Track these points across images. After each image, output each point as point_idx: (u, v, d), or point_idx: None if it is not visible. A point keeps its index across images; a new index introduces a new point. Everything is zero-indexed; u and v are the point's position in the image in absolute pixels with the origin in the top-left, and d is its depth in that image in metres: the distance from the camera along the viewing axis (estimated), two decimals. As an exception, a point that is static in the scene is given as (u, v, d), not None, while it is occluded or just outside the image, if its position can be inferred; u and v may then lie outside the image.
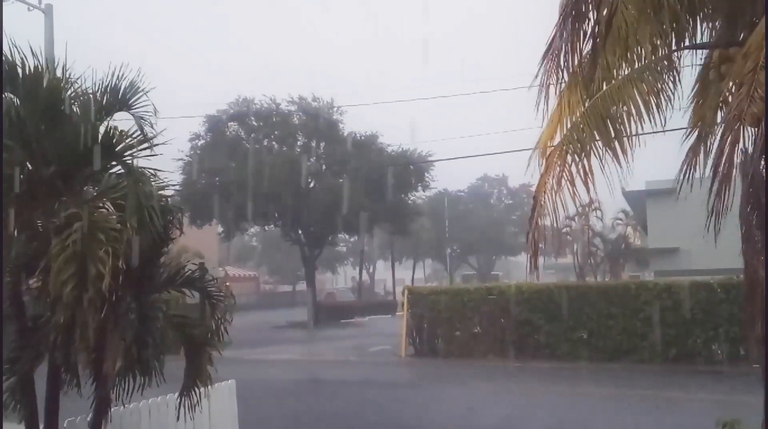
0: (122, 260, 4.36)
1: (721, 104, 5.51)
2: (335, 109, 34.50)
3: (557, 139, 5.83)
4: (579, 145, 5.34)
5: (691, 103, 6.23)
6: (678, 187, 5.46)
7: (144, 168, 5.05)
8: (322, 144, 34.83)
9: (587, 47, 5.98)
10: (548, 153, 5.69)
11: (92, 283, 4.20)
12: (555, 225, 5.78)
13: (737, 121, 4.47)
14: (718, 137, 4.87)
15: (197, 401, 5.69)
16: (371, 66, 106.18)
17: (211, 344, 5.64)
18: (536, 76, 6.22)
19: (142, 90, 5.01)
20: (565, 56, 6.06)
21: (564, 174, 5.34)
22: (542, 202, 5.44)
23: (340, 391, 14.53)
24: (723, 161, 4.72)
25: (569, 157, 5.38)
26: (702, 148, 5.53)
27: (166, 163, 5.81)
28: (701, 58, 6.23)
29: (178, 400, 5.74)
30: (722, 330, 15.56)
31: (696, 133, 5.88)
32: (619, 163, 5.35)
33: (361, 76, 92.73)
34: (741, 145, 5.22)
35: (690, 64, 6.19)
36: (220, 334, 5.64)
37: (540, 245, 5.67)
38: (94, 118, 4.93)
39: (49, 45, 11.56)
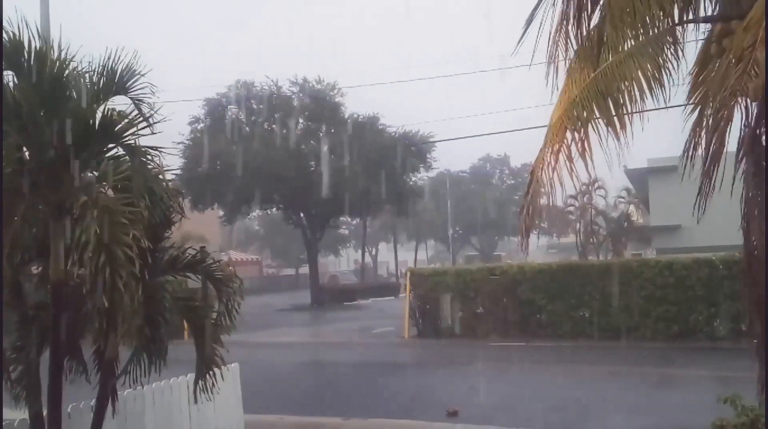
0: (145, 240, 4.42)
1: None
2: (337, 90, 34.35)
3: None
4: (578, 121, 5.28)
5: (691, 75, 6.15)
6: (682, 166, 5.41)
7: (145, 146, 5.04)
8: (324, 126, 34.71)
9: (593, 21, 5.91)
10: (548, 129, 5.65)
11: (123, 267, 4.23)
12: (551, 202, 5.75)
13: (732, 98, 4.42)
14: (712, 114, 4.82)
15: (213, 384, 5.72)
16: (372, 47, 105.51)
17: (221, 327, 5.66)
18: (548, 50, 6.15)
19: (139, 73, 4.96)
20: (572, 29, 5.99)
21: (563, 149, 5.29)
22: (538, 178, 5.40)
23: (345, 372, 14.61)
24: (715, 138, 4.68)
25: (568, 133, 5.33)
26: (705, 125, 5.49)
27: (166, 148, 5.77)
28: (704, 33, 6.14)
29: (194, 383, 5.76)
30: (724, 306, 15.56)
31: (698, 109, 5.83)
32: (619, 140, 5.30)
33: (361, 57, 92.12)
34: (744, 121, 5.18)
35: (694, 39, 6.11)
36: (231, 317, 5.65)
37: (536, 221, 5.65)
38: (92, 101, 4.89)
39: (45, 26, 11.41)
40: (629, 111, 5.34)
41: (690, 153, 5.38)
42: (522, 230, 5.72)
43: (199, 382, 5.67)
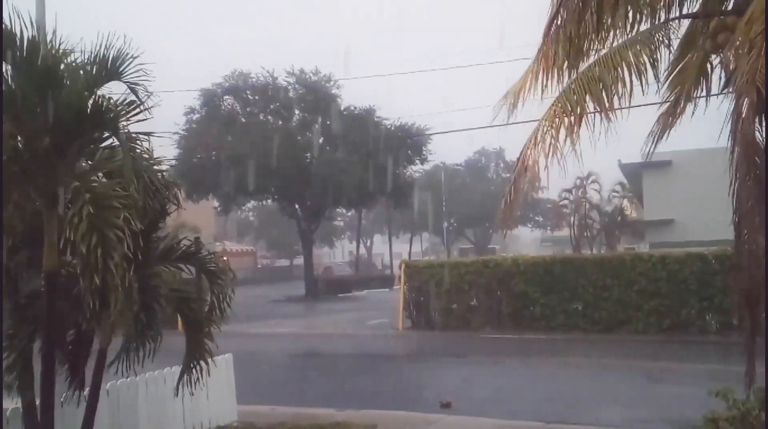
0: (137, 223, 4.44)
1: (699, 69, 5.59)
2: (333, 82, 34.26)
3: (544, 98, 5.82)
4: (570, 110, 5.32)
5: (669, 69, 6.20)
6: (648, 152, 5.47)
7: (138, 133, 5.03)
8: (320, 118, 34.63)
9: (585, 13, 5.93)
10: (542, 118, 5.67)
11: (114, 249, 4.24)
12: (540, 189, 5.82)
13: (751, 85, 4.46)
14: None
15: (197, 378, 5.70)
16: (369, 40, 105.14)
17: (211, 319, 5.65)
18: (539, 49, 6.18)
19: (131, 56, 4.94)
20: (564, 23, 6.01)
21: (555, 139, 5.32)
22: (526, 163, 5.44)
23: (338, 363, 14.66)
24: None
25: (559, 121, 5.36)
26: (677, 113, 5.55)
27: (161, 139, 5.76)
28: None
29: (179, 377, 5.74)
30: (716, 300, 15.65)
31: (673, 99, 5.91)
32: (610, 121, 5.36)
33: (359, 50, 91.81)
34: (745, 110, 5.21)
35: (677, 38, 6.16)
36: (221, 309, 5.64)
37: (518, 211, 5.71)
38: (85, 88, 4.87)
39: (41, 14, 11.32)
40: (619, 102, 5.39)
41: (656, 140, 5.45)
42: (503, 213, 5.77)
43: (185, 375, 5.65)
